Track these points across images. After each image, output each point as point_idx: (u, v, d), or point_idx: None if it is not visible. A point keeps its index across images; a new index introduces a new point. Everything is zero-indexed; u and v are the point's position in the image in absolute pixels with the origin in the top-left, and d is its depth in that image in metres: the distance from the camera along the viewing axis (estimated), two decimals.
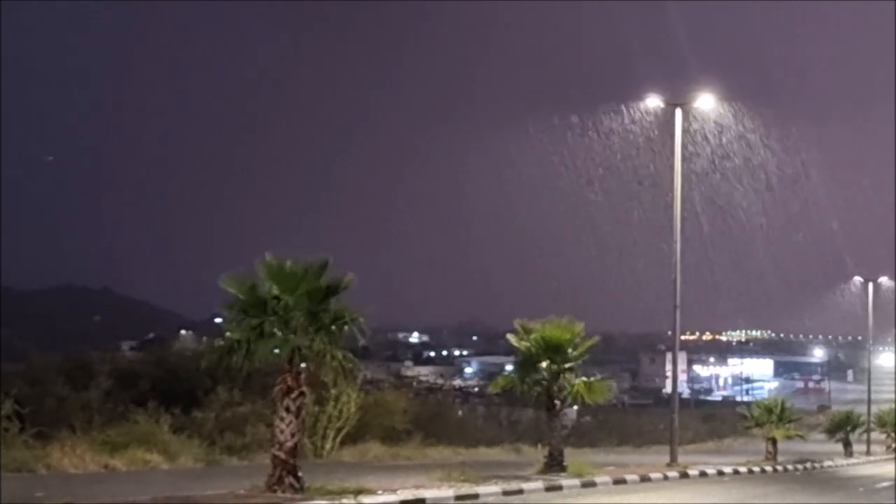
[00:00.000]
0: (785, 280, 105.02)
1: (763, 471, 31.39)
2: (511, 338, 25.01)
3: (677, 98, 32.49)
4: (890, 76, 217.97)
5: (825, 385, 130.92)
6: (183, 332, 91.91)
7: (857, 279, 64.17)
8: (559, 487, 20.69)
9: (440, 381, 74.86)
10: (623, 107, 41.56)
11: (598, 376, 26.13)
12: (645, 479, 24.27)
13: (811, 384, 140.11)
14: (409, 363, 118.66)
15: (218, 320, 20.87)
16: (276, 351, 16.21)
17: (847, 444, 48.09)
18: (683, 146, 32.20)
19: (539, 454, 27.03)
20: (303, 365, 16.32)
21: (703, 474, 27.29)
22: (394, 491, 16.81)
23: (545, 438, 25.46)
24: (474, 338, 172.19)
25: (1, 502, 14.13)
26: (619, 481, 22.98)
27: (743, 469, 30.47)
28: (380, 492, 16.49)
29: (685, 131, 32.63)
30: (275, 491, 15.64)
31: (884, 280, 61.85)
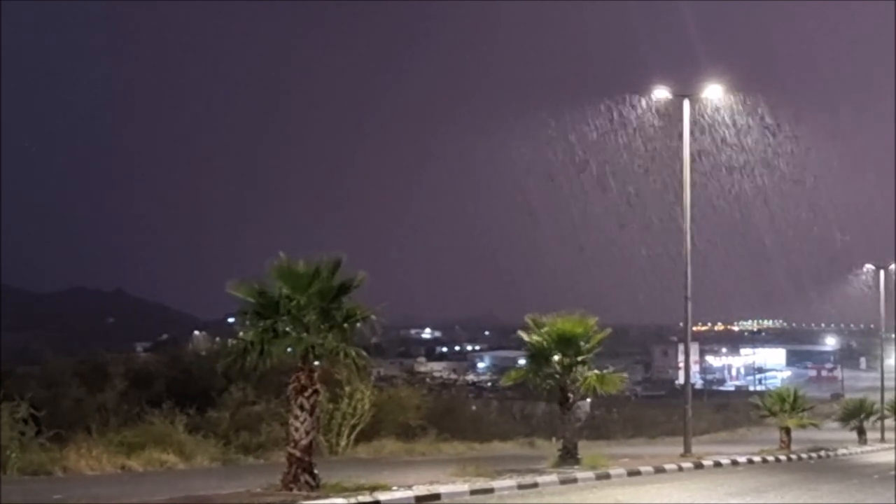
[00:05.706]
0: (796, 269, 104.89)
1: (777, 460, 31.37)
2: (522, 334, 25.05)
3: (685, 89, 32.47)
4: None
5: (838, 373, 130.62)
6: (196, 332, 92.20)
7: (869, 267, 64.13)
8: (574, 480, 20.70)
9: (453, 377, 75.04)
10: (631, 98, 41.57)
11: (611, 369, 26.11)
12: (659, 470, 24.27)
13: (824, 373, 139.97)
14: (422, 359, 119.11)
15: (231, 320, 20.98)
16: (290, 350, 16.25)
17: (861, 432, 47.97)
18: (692, 137, 32.18)
19: (553, 447, 27.04)
20: (316, 363, 16.36)
21: (717, 464, 27.30)
22: (409, 487, 16.85)
23: (559, 432, 25.49)
24: (487, 332, 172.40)
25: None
26: (634, 473, 22.99)
27: (757, 458, 30.45)
28: (395, 488, 16.53)
29: (693, 122, 32.60)
30: (291, 489, 15.69)
31: (895, 267, 61.63)
